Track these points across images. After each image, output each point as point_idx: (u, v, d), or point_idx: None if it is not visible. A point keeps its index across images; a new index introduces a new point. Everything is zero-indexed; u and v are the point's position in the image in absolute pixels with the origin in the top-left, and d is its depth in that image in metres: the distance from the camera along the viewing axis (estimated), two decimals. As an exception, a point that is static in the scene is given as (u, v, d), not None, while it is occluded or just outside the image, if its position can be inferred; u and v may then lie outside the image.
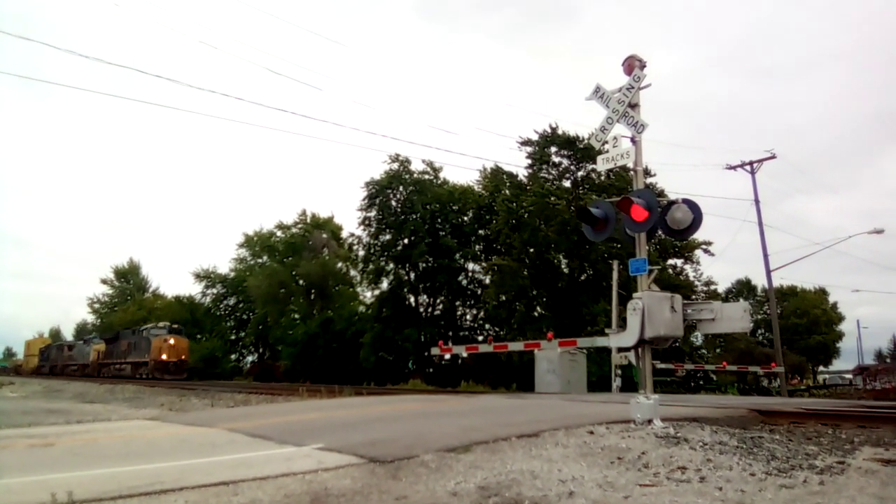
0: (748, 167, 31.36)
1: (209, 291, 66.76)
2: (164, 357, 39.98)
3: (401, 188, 45.95)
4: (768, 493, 3.93)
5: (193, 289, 69.07)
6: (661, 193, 31.08)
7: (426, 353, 37.70)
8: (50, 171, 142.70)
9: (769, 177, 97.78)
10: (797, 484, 4.18)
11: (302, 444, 5.89)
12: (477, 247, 45.93)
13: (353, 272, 52.07)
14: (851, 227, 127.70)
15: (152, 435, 7.82)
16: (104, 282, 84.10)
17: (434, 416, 8.58)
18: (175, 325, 45.63)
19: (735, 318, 6.61)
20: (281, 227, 61.97)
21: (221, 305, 65.52)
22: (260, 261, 62.59)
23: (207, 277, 66.24)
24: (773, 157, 31.03)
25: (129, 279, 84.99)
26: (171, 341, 41.01)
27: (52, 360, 58.64)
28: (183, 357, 41.56)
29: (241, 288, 59.57)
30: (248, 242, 63.62)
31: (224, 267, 66.70)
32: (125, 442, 7.08)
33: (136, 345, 42.79)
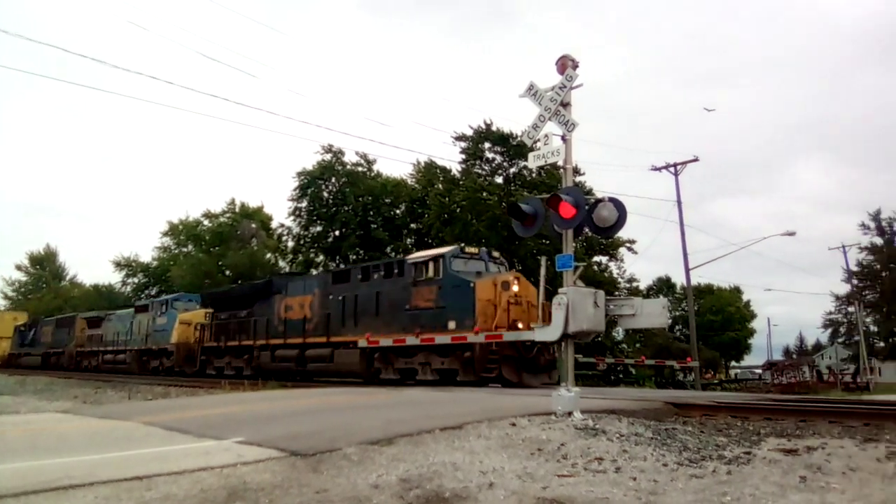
0: (672, 169, 32.47)
1: (130, 280, 64.31)
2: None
3: (333, 179, 45.43)
4: (679, 483, 4.09)
5: (113, 277, 66.21)
6: (590, 192, 31.82)
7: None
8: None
9: (692, 179, 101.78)
10: (707, 474, 4.36)
11: (222, 438, 5.75)
12: (409, 240, 45.90)
13: (281, 263, 51.17)
14: (766, 230, 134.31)
15: (63, 428, 7.49)
16: (18, 268, 79.55)
17: (360, 409, 8.54)
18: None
19: (654, 315, 6.84)
20: (208, 215, 60.30)
21: (143, 295, 63.27)
22: (185, 250, 60.71)
23: (128, 266, 63.76)
24: (696, 160, 32.25)
25: (44, 266, 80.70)
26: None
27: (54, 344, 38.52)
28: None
29: (165, 277, 57.58)
30: (173, 231, 61.55)
31: (146, 255, 64.36)
32: (33, 435, 6.75)
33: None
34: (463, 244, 18.51)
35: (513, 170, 39.43)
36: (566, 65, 8.11)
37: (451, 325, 15.01)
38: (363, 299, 17.74)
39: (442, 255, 16.02)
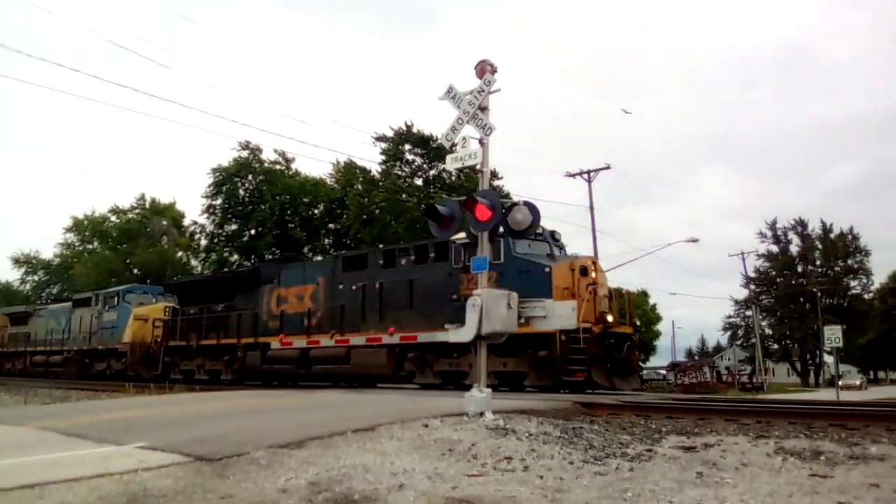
0: (585, 176, 33.47)
1: (29, 278, 60.75)
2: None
3: (250, 177, 44.43)
4: (584, 480, 4.21)
5: (11, 275, 62.20)
6: (507, 196, 32.35)
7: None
8: None
9: (605, 186, 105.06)
10: (610, 471, 4.51)
11: (122, 443, 5.52)
12: (326, 240, 45.42)
13: (193, 262, 49.49)
14: (672, 236, 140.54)
15: (-57, 436, 6.97)
16: None
17: (270, 412, 8.37)
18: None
19: (564, 316, 7.05)
20: (116, 211, 57.70)
21: (43, 294, 59.68)
22: (90, 247, 57.79)
23: (28, 263, 60.13)
24: (608, 167, 33.42)
25: (-64, 262, 74.90)
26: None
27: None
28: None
29: (68, 275, 54.57)
30: (78, 226, 58.49)
31: (48, 252, 60.84)
32: None
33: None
34: None
35: (433, 172, 39.69)
36: (485, 69, 8.23)
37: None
38: (390, 289, 15.42)
39: (503, 236, 13.79)
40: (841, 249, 74.15)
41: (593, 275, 12.83)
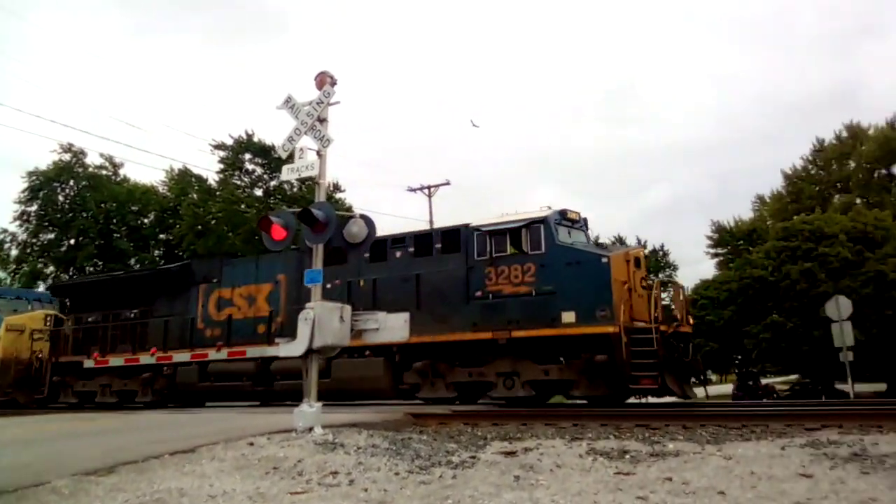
0: (426, 191, 34.18)
1: None
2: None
3: (72, 182, 40.66)
4: (408, 490, 4.26)
5: None
6: (349, 209, 32.27)
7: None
8: None
9: (445, 201, 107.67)
10: (434, 479, 4.60)
11: None
12: (157, 252, 42.61)
13: (1, 274, 44.31)
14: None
15: None
16: None
17: (79, 437, 7.68)
18: None
19: (397, 328, 7.11)
20: None
21: None
22: None
23: None
24: (448, 183, 34.33)
25: None
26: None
27: None
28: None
29: None
30: None
31: None
32: None
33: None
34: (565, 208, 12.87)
35: (273, 182, 38.61)
36: (324, 81, 8.19)
37: (568, 317, 11.14)
38: (386, 285, 12.92)
39: (544, 220, 11.96)
40: (653, 264, 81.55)
41: (643, 268, 11.78)
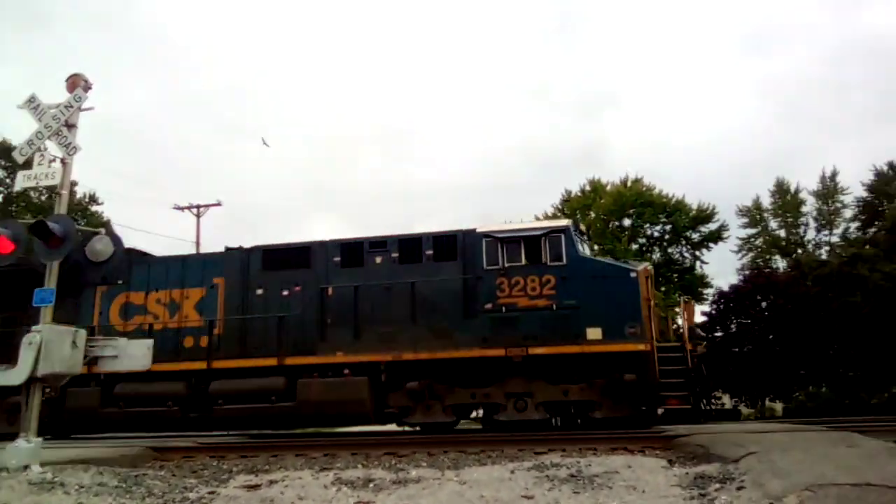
0: (195, 210, 32.41)
1: None
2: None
3: None
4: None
5: None
6: (107, 223, 29.50)
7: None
8: None
9: (217, 221, 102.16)
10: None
11: None
12: None
13: None
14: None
15: None
16: None
17: None
18: None
19: (138, 357, 6.64)
20: None
21: None
22: None
23: None
24: (219, 204, 32.86)
25: None
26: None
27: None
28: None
29: None
30: None
31: None
32: None
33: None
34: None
35: (18, 188, 33.90)
36: (77, 84, 7.62)
37: (594, 333, 10.49)
38: (366, 295, 11.64)
39: (565, 230, 11.29)
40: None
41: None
